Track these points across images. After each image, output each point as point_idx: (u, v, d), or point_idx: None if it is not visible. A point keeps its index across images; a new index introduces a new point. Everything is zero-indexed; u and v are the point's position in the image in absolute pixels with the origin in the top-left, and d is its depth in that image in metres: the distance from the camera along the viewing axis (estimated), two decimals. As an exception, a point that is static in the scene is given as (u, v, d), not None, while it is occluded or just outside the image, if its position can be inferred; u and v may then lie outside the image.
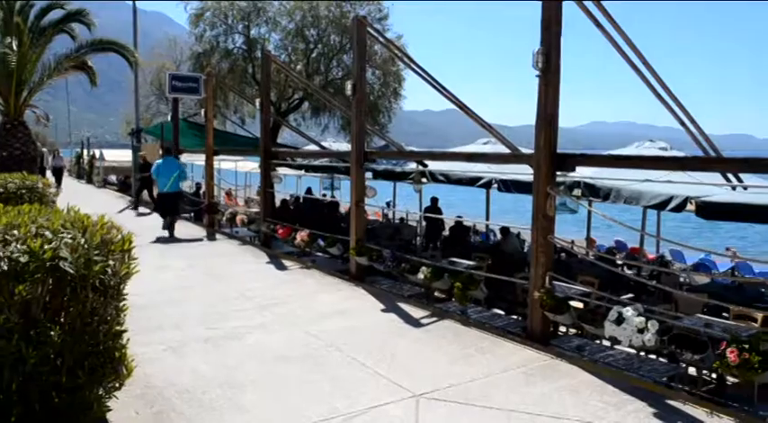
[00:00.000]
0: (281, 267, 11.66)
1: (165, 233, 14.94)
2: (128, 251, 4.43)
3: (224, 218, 16.37)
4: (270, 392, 5.65)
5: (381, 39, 12.60)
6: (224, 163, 24.12)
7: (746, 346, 5.34)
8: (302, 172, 21.44)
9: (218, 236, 15.73)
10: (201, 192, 21.37)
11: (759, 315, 8.43)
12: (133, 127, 25.30)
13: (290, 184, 27.11)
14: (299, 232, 12.22)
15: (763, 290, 12.99)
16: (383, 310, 8.58)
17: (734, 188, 8.85)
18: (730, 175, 8.24)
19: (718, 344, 5.65)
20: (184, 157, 22.61)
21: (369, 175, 15.56)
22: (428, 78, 9.54)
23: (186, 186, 23.46)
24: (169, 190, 15.37)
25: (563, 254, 13.56)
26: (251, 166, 23.26)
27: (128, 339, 4.55)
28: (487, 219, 16.96)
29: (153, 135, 26.05)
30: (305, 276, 10.83)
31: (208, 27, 25.29)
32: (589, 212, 12.56)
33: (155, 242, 14.17)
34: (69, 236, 4.01)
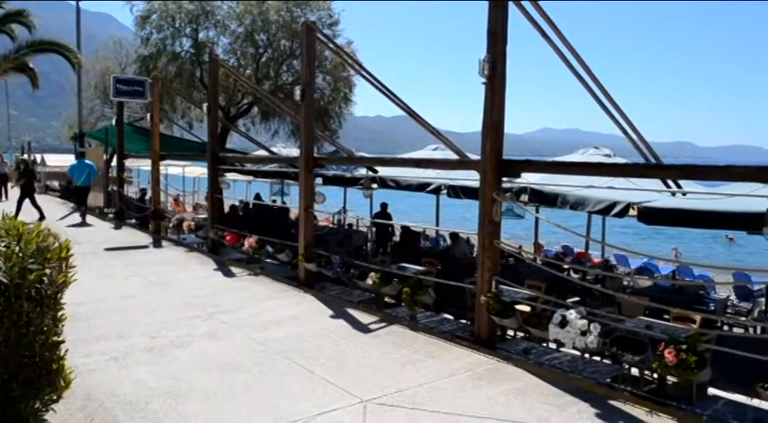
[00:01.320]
0: (229, 274, 11.50)
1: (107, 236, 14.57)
2: (65, 259, 4.28)
3: (171, 224, 16.04)
4: (215, 402, 5.54)
5: (331, 44, 12.58)
6: (171, 168, 23.65)
7: (684, 347, 5.51)
8: (252, 177, 21.22)
9: (164, 243, 15.41)
10: (147, 198, 20.92)
11: (698, 317, 8.70)
12: (76, 131, 24.61)
13: (240, 189, 26.79)
14: (247, 238, 12.06)
15: (702, 292, 13.48)
16: (332, 317, 8.54)
17: (673, 194, 9.13)
18: (670, 182, 8.50)
19: (658, 345, 5.81)
20: (129, 163, 22.12)
21: (319, 180, 15.50)
22: (377, 84, 9.56)
23: (132, 192, 22.91)
24: (82, 184, 18.84)
25: (511, 258, 13.78)
26: (199, 171, 22.90)
27: (66, 350, 4.39)
28: (437, 224, 17.08)
29: (97, 139, 25.36)
30: (253, 283, 10.70)
31: (154, 29, 24.81)
32: (536, 218, 12.79)
33: (99, 250, 13.78)
34: (3, 244, 3.87)
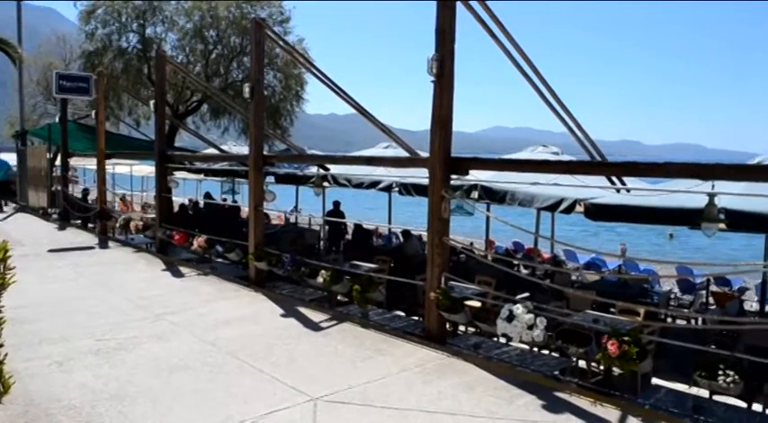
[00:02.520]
0: (178, 274, 11.31)
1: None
2: (3, 261, 4.16)
3: (117, 224, 15.66)
4: (163, 404, 5.46)
5: (281, 41, 12.48)
6: (118, 167, 23.13)
7: (626, 339, 5.67)
8: (202, 176, 20.89)
9: (110, 243, 15.04)
10: (91, 197, 20.39)
11: (642, 309, 8.94)
12: (18, 129, 23.80)
13: (190, 188, 26.36)
14: (196, 238, 11.88)
15: (646, 286, 13.85)
16: (283, 315, 8.49)
17: (618, 191, 9.36)
18: (615, 179, 8.72)
19: (601, 337, 5.97)
20: (74, 161, 21.52)
21: (270, 179, 15.37)
22: (328, 82, 9.54)
23: (78, 192, 22.34)
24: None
25: (462, 255, 13.91)
26: (147, 170, 22.44)
27: (5, 355, 4.26)
28: (390, 222, 17.14)
29: (39, 137, 24.57)
30: (202, 283, 10.55)
31: (100, 24, 24.12)
32: (487, 215, 12.93)
33: (42, 251, 13.38)
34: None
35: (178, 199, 20.48)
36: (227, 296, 9.60)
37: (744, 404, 6.86)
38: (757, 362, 5.75)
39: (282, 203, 20.16)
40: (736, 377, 5.34)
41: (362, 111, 9.19)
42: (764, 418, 6.09)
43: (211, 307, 8.91)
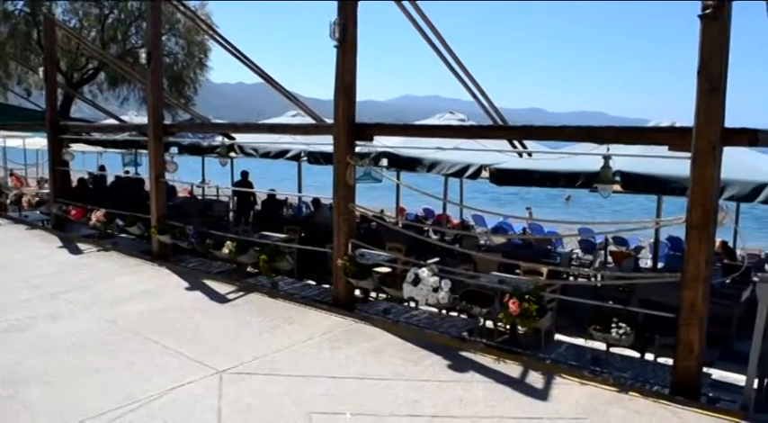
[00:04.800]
0: (76, 251, 10.77)
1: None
2: None
3: (8, 200, 14.70)
4: (59, 385, 5.21)
5: (181, 6, 11.92)
6: (10, 140, 21.69)
7: (525, 297, 5.85)
8: (101, 148, 19.88)
9: (1, 220, 14.13)
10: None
11: (545, 269, 9.29)
12: None
13: (91, 162, 25.12)
14: (94, 213, 11.32)
15: (549, 247, 14.41)
16: (188, 289, 8.27)
17: (521, 155, 9.59)
18: (518, 144, 8.92)
19: (504, 296, 6.14)
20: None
21: (174, 149, 14.81)
22: (232, 49, 9.18)
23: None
24: None
25: (373, 223, 13.98)
26: (42, 143, 21.09)
27: None
28: (299, 191, 16.95)
29: None
30: (102, 259, 10.10)
31: (-19, -15, 22.31)
32: (398, 182, 12.98)
33: None
34: None
35: (78, 173, 19.42)
36: (128, 272, 9.24)
37: (637, 354, 7.28)
38: (649, 314, 6.10)
39: (190, 175, 19.57)
40: (628, 329, 5.62)
41: (268, 79, 8.93)
42: (656, 365, 6.47)
43: (112, 283, 8.56)
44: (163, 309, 7.35)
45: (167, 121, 12.24)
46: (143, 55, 9.74)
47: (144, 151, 18.43)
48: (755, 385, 5.61)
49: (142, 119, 16.72)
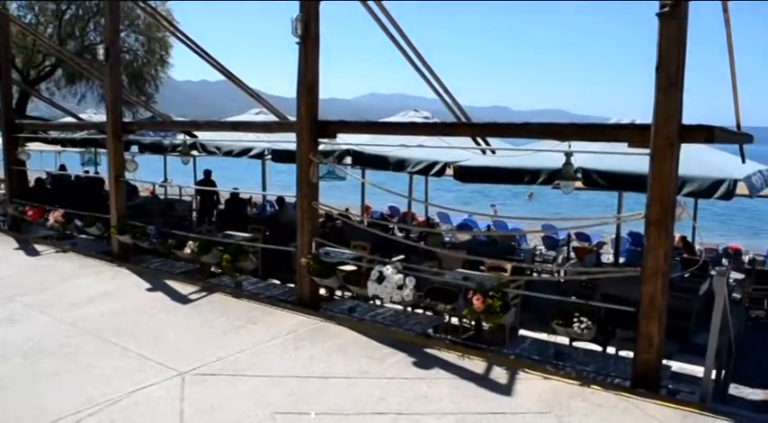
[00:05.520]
0: (33, 253, 10.49)
1: None
2: None
3: (-40, 202, 14.25)
4: (14, 391, 5.06)
5: (140, 3, 11.70)
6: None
7: (490, 293, 5.89)
8: (60, 147, 19.42)
9: (-46, 223, 13.70)
10: None
11: (509, 266, 9.36)
12: None
13: (49, 161, 24.54)
14: (51, 213, 11.04)
15: (513, 244, 14.55)
16: (149, 290, 8.13)
17: (484, 152, 9.65)
18: (481, 141, 8.96)
19: (467, 293, 6.17)
20: None
21: (135, 148, 14.53)
22: (193, 46, 9.04)
23: None
24: None
25: (338, 221, 13.94)
26: (-1, 142, 20.52)
27: None
28: (264, 190, 16.80)
29: None
30: (61, 261, 9.86)
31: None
32: (363, 180, 12.95)
33: None
34: None
35: (36, 172, 18.93)
36: (88, 273, 9.04)
37: (600, 348, 7.39)
38: (611, 309, 6.20)
39: (152, 175, 19.23)
40: (590, 323, 5.70)
41: (231, 76, 8.81)
42: (617, 359, 6.57)
43: (70, 285, 8.36)
44: (123, 310, 7.20)
45: (127, 119, 12.02)
46: (100, 51, 9.53)
47: (103, 150, 18.09)
48: (713, 377, 5.75)
49: (101, 117, 16.36)
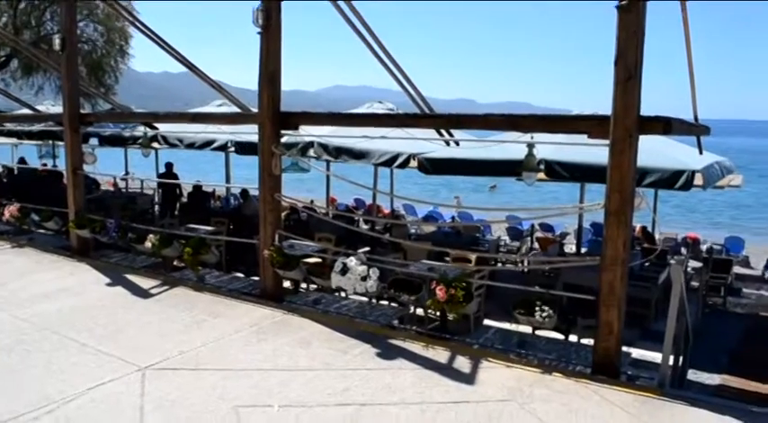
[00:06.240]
0: (-13, 249, 10.22)
1: None
2: None
3: None
4: (-32, 389, 4.92)
5: (97, -10, 11.43)
6: None
7: (453, 284, 5.92)
8: (16, 140, 18.88)
9: None
10: None
11: (473, 256, 9.43)
12: None
13: (5, 154, 23.89)
14: (6, 207, 10.73)
15: (478, 235, 14.67)
16: (109, 285, 7.97)
17: (448, 144, 9.67)
18: (445, 133, 8.98)
19: (431, 284, 6.19)
20: None
21: (95, 141, 14.22)
22: (153, 36, 8.85)
23: None
24: None
25: (304, 214, 13.86)
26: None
27: None
28: (227, 182, 16.58)
29: None
30: (17, 256, 9.61)
31: None
32: (328, 172, 12.89)
33: None
34: None
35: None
36: (45, 268, 8.82)
37: (562, 337, 7.50)
38: (573, 297, 6.29)
39: (114, 168, 18.84)
40: (551, 312, 5.77)
41: (192, 67, 8.66)
42: (579, 346, 6.66)
43: (27, 280, 8.16)
44: (82, 306, 7.05)
45: (85, 111, 11.75)
46: (57, 41, 9.29)
47: (62, 143, 17.66)
48: (671, 363, 5.87)
49: (59, 109, 15.98)
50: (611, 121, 5.20)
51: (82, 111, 10.03)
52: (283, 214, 13.04)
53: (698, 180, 7.76)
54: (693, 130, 7.24)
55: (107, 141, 14.41)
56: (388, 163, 10.51)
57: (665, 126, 5.27)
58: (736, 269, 14.68)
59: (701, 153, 8.94)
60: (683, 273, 7.11)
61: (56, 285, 7.90)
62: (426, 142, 9.44)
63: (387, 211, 17.78)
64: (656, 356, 6.08)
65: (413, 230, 15.93)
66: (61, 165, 19.11)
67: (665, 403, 4.93)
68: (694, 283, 11.41)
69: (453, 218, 18.56)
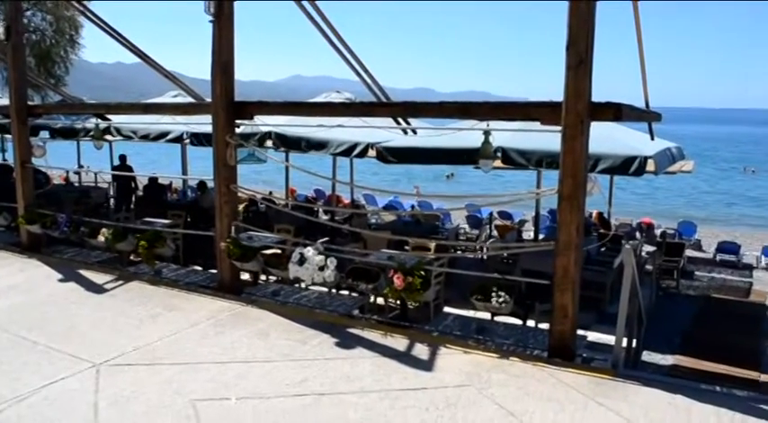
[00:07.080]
0: (-69, 246, 9.86)
1: None
2: None
3: None
4: None
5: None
6: None
7: (411, 271, 5.94)
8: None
9: None
10: None
11: (432, 244, 9.48)
12: None
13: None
14: (-51, 204, 10.37)
15: (437, 223, 14.75)
16: (61, 281, 7.77)
17: (405, 132, 9.68)
18: (402, 121, 8.98)
19: (389, 272, 6.20)
20: None
21: (45, 134, 13.83)
22: (104, 26, 8.60)
23: None
24: None
25: (262, 205, 13.75)
26: None
27: None
28: (184, 174, 16.32)
29: None
30: (-37, 254, 9.31)
31: None
32: (287, 163, 12.79)
33: None
34: None
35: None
36: (-7, 265, 8.57)
37: (520, 322, 7.60)
38: (531, 283, 6.37)
39: (67, 161, 18.35)
40: (507, 297, 5.84)
41: (145, 57, 8.46)
42: (537, 331, 6.76)
43: (-27, 279, 7.90)
44: (33, 303, 6.87)
45: (34, 102, 11.41)
46: (1, 29, 8.97)
47: (10, 136, 17.11)
48: (625, 345, 6.01)
49: (5, 101, 15.48)
50: (563, 108, 5.26)
51: (30, 102, 9.73)
52: (242, 206, 12.92)
53: (650, 166, 7.92)
54: (644, 116, 7.38)
55: (59, 134, 14.03)
56: (347, 152, 10.48)
57: (615, 112, 5.35)
58: (689, 252, 15.11)
59: (652, 139, 9.13)
60: (638, 257, 7.27)
61: (5, 282, 7.66)
62: (384, 131, 9.43)
63: (347, 201, 17.76)
64: (611, 339, 6.19)
65: (373, 220, 15.96)
66: (10, 158, 18.55)
67: (618, 384, 5.03)
68: (648, 267, 11.69)
69: (413, 207, 18.64)
